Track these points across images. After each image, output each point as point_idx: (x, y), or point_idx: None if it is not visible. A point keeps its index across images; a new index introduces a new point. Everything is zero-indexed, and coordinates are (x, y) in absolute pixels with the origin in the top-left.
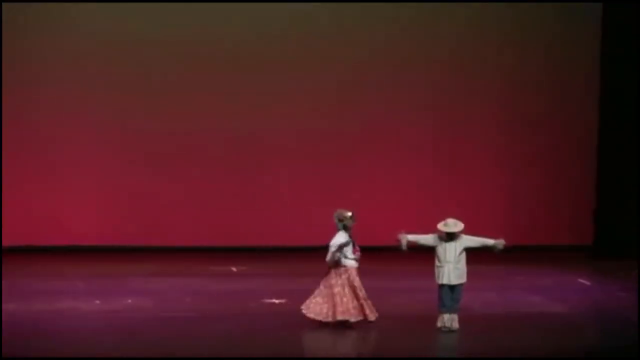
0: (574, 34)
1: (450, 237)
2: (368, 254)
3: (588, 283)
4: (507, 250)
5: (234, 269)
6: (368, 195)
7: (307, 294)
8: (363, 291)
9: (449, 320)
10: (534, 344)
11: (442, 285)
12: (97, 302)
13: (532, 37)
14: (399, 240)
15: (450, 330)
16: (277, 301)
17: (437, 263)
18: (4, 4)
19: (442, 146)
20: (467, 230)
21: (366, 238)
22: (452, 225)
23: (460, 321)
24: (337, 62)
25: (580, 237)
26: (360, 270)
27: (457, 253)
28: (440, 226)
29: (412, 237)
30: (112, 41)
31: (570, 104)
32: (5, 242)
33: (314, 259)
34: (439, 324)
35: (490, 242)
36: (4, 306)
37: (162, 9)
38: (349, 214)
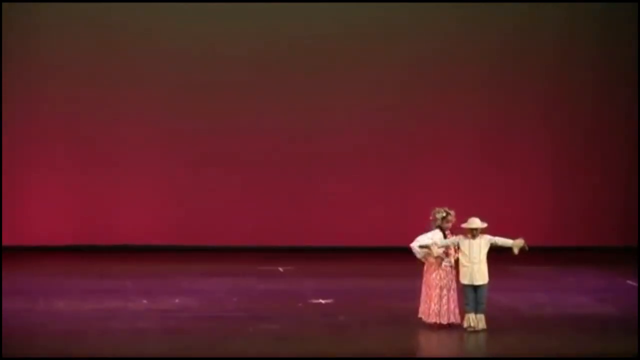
0: (614, 36)
1: (474, 235)
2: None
3: (636, 284)
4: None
5: (280, 269)
6: (418, 195)
7: (354, 294)
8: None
9: (475, 320)
10: (583, 344)
11: (465, 285)
12: (145, 301)
13: (576, 39)
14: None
15: (475, 331)
16: (323, 301)
17: (463, 262)
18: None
19: (492, 147)
20: (515, 230)
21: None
22: (475, 222)
23: (508, 321)
24: (393, 62)
25: (628, 238)
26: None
27: (482, 253)
28: (465, 224)
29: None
30: (165, 41)
31: (616, 106)
32: (58, 242)
33: (360, 259)
34: (465, 324)
35: (509, 242)
36: (54, 304)
37: (231, 8)
38: (442, 214)
